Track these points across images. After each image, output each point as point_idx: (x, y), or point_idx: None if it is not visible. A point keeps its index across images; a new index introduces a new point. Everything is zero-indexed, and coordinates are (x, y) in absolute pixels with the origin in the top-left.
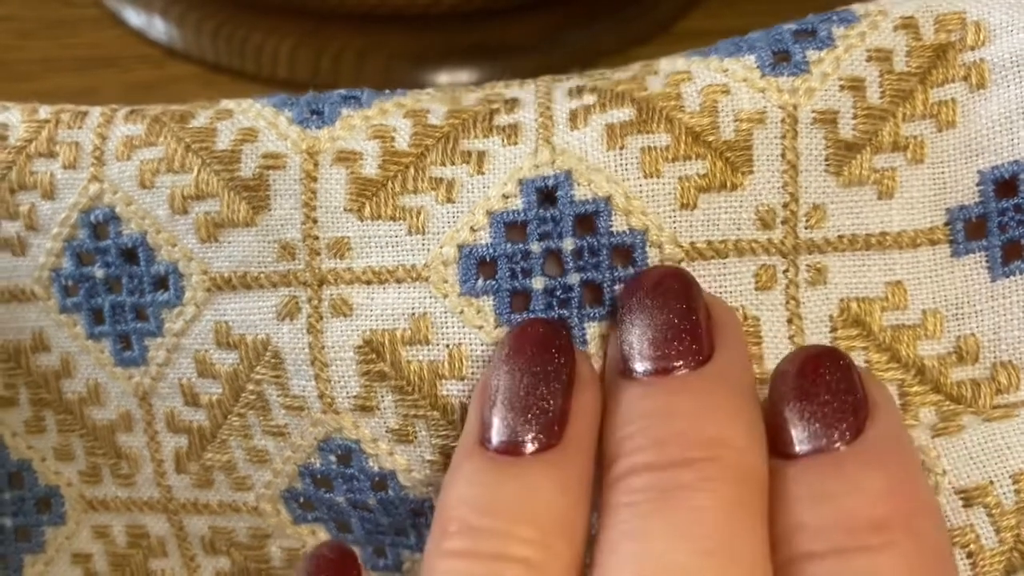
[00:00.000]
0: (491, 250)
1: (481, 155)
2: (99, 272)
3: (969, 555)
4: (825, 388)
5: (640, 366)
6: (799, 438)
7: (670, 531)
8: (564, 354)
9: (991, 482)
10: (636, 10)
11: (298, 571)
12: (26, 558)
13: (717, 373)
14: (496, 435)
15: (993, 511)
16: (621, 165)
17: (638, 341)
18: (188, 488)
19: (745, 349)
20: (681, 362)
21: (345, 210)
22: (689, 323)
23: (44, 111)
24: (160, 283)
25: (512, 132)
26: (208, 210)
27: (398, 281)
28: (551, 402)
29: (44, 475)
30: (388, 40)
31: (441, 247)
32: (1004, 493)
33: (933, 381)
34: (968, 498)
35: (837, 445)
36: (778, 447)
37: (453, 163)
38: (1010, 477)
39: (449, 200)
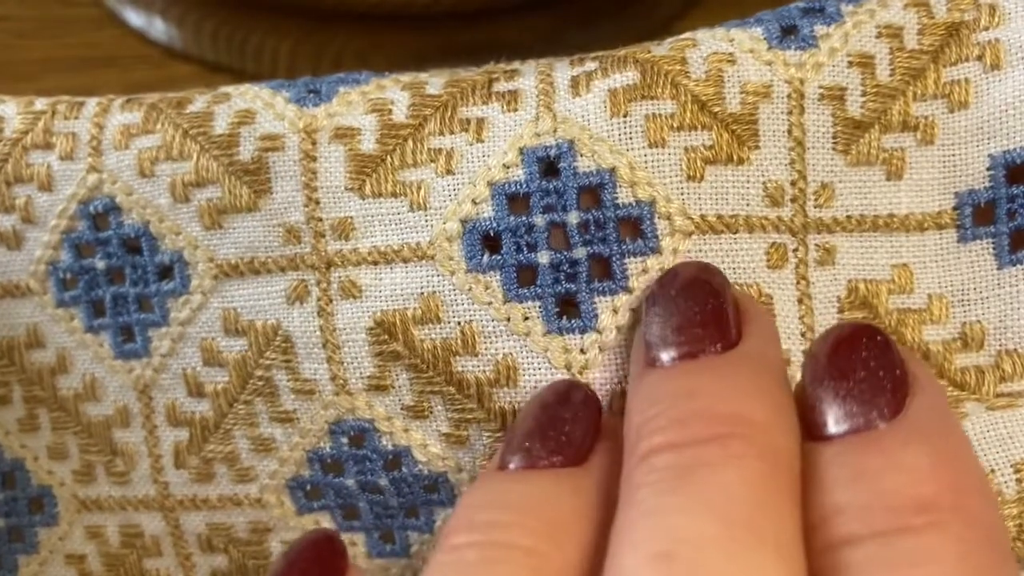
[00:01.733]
0: (494, 224)
1: (480, 122)
2: (100, 263)
3: None
4: (861, 365)
5: (666, 354)
6: (834, 418)
7: (691, 505)
8: (588, 401)
9: (992, 471)
10: (636, 10)
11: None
12: (20, 559)
13: (744, 356)
14: (515, 460)
15: None
16: (625, 134)
17: (661, 330)
18: (186, 483)
19: (776, 338)
20: (706, 346)
21: (346, 189)
22: (715, 310)
23: (40, 103)
24: (165, 272)
25: (512, 99)
26: (210, 196)
27: (404, 261)
28: (575, 434)
29: (37, 475)
30: (388, 40)
31: (444, 223)
32: (1006, 482)
33: (937, 366)
34: None
35: (876, 423)
36: (813, 431)
37: (452, 132)
38: (1012, 466)
39: (449, 172)
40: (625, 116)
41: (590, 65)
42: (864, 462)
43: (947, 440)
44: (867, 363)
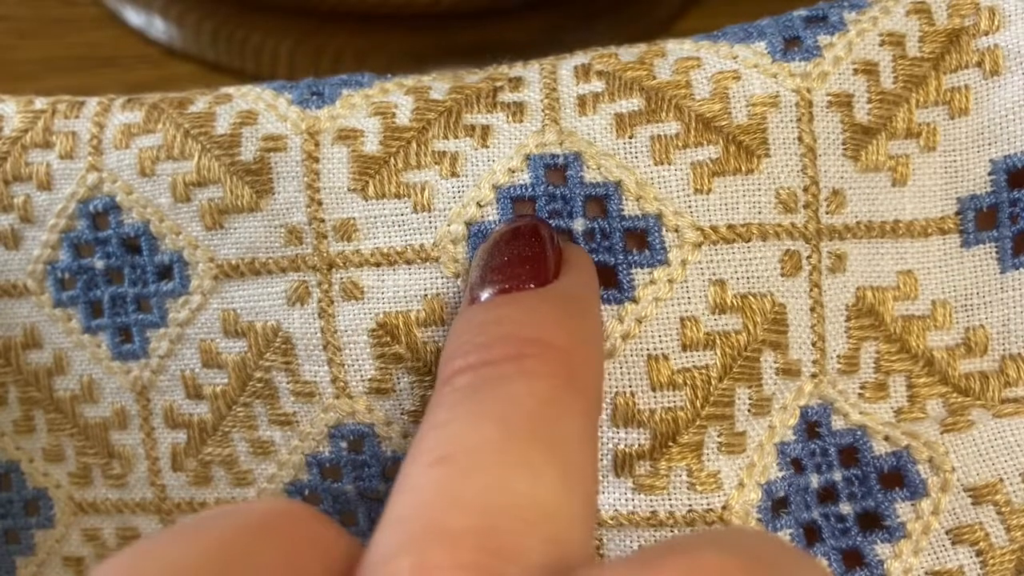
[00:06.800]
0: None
1: (485, 129)
2: (99, 263)
3: (979, 553)
4: (519, 249)
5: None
6: (489, 289)
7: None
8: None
9: (1001, 479)
10: (636, 10)
11: None
12: (18, 560)
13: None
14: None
15: (1003, 509)
16: (631, 153)
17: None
18: (184, 487)
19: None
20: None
21: (349, 190)
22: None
23: (40, 102)
24: (164, 273)
25: (517, 110)
26: (211, 196)
27: (408, 262)
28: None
29: (32, 477)
30: (388, 40)
31: (448, 225)
32: (1014, 491)
33: (941, 373)
34: (977, 496)
35: (527, 288)
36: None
37: (456, 136)
38: (1020, 475)
39: (453, 174)
40: (631, 137)
41: (596, 84)
42: (500, 310)
43: (581, 307)
44: (524, 248)
